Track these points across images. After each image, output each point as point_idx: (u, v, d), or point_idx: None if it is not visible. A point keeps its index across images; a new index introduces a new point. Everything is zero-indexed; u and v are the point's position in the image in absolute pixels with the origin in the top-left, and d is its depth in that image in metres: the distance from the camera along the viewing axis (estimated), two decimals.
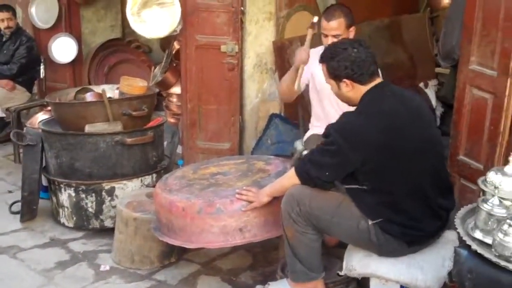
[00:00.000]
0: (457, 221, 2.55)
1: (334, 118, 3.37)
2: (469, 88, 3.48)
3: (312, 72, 3.91)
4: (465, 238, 2.42)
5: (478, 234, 2.42)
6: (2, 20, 6.11)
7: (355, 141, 2.77)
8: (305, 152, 3.43)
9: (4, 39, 6.19)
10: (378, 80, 2.93)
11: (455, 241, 2.89)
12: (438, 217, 2.88)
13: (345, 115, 2.93)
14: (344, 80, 2.89)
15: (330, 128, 2.88)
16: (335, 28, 3.67)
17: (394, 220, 2.80)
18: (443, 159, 3.05)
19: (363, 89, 2.90)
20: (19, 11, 7.00)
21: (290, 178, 3.02)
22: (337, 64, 2.87)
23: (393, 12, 6.05)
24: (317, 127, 4.01)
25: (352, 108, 2.99)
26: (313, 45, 3.87)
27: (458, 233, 2.48)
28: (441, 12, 5.97)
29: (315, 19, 3.75)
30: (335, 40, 3.54)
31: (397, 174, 2.77)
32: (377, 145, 2.74)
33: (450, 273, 2.69)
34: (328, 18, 3.71)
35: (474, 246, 2.35)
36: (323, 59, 2.98)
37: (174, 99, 6.05)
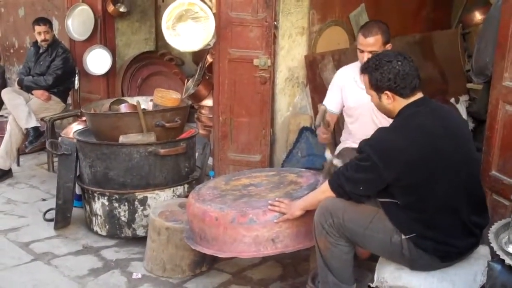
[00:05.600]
0: (490, 236, 2.55)
1: (367, 131, 3.40)
2: (502, 104, 3.48)
3: (344, 94, 3.94)
4: (498, 252, 2.42)
5: None
6: (39, 33, 6.23)
7: (388, 158, 2.76)
8: (335, 161, 3.45)
9: (41, 50, 6.32)
10: (419, 95, 2.91)
11: (487, 255, 2.89)
12: (472, 234, 2.86)
13: (379, 130, 2.92)
14: (386, 92, 2.88)
15: (364, 143, 2.88)
16: (372, 44, 3.69)
17: (427, 235, 2.79)
18: (478, 178, 3.03)
19: (403, 102, 2.88)
20: (55, 23, 7.17)
21: (325, 192, 3.03)
22: (381, 76, 2.86)
23: (425, 28, 6.06)
24: (349, 141, 4.04)
25: (389, 122, 3.00)
26: (346, 61, 3.92)
27: (492, 247, 2.48)
28: (473, 28, 5.96)
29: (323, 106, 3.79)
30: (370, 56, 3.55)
31: (430, 191, 2.76)
32: (411, 163, 2.73)
33: None
34: (365, 34, 3.72)
35: (508, 261, 2.35)
36: (366, 69, 2.95)
37: (206, 111, 6.13)
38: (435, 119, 2.83)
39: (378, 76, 2.88)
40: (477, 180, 2.98)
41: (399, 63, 2.85)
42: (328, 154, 3.58)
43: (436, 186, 2.75)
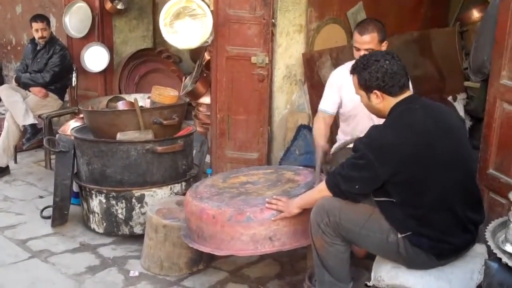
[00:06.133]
0: (487, 234, 2.56)
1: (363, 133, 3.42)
2: (500, 103, 3.48)
3: (341, 94, 3.93)
4: (495, 251, 2.42)
5: (509, 248, 2.43)
6: (37, 30, 6.21)
7: (383, 155, 2.77)
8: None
9: (38, 47, 6.31)
10: (408, 93, 2.95)
11: (484, 254, 2.90)
12: (467, 230, 2.87)
13: (373, 128, 2.94)
14: (375, 91, 2.91)
15: (358, 142, 2.89)
16: (368, 42, 3.69)
17: (423, 233, 2.80)
18: (473, 173, 3.04)
19: (393, 101, 2.91)
20: (53, 20, 7.15)
21: (321, 191, 3.04)
22: (369, 75, 2.89)
23: (422, 26, 6.06)
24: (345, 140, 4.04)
25: (381, 121, 3.01)
26: (344, 59, 3.92)
27: (489, 246, 2.48)
28: (471, 26, 5.95)
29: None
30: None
31: (426, 188, 2.77)
32: (406, 159, 2.74)
33: (479, 286, 2.70)
34: (361, 32, 3.72)
35: (505, 259, 2.36)
36: (355, 70, 2.99)
37: (203, 109, 6.12)
38: (427, 116, 2.86)
39: (366, 76, 2.91)
40: (473, 177, 3.00)
41: (387, 62, 2.88)
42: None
43: (431, 182, 2.77)
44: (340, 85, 3.92)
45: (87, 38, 6.64)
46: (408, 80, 2.97)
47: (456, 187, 2.81)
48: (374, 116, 3.63)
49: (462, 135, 3.02)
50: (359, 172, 2.85)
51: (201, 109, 6.19)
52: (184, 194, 4.22)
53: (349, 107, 3.92)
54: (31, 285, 3.81)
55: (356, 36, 3.76)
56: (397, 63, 2.90)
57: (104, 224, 4.49)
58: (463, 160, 2.88)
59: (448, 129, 2.88)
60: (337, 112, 4.10)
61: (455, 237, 2.83)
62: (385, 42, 3.76)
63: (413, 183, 2.78)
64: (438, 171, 2.76)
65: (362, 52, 3.66)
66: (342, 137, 4.09)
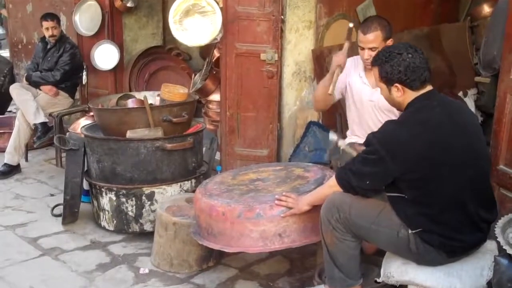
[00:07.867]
0: (497, 231, 2.54)
1: (370, 128, 3.39)
2: (510, 98, 3.46)
3: (349, 81, 3.91)
4: (505, 247, 2.41)
5: None
6: (47, 29, 6.24)
7: (396, 152, 2.75)
8: (340, 142, 3.42)
9: (48, 46, 6.33)
10: (429, 87, 2.90)
11: (494, 250, 2.88)
12: (479, 229, 2.84)
13: (387, 124, 2.91)
14: (396, 84, 2.87)
15: (371, 137, 2.87)
16: (371, 41, 3.64)
17: (434, 230, 2.78)
18: (487, 173, 2.98)
19: (413, 95, 2.88)
20: (63, 18, 7.18)
21: (332, 187, 3.03)
22: (391, 68, 2.85)
23: (432, 21, 6.03)
24: (354, 136, 4.02)
25: (384, 112, 2.98)
26: (353, 55, 3.91)
27: (498, 242, 2.47)
28: (482, 21, 5.92)
29: (351, 24, 3.78)
30: (371, 53, 3.54)
31: (438, 186, 2.75)
32: (418, 156, 2.72)
33: (489, 282, 2.69)
34: (364, 31, 3.67)
35: None
36: (376, 62, 2.95)
37: (213, 106, 6.12)
38: (443, 114, 2.81)
39: (388, 69, 2.87)
40: (486, 176, 2.95)
41: (410, 55, 2.84)
42: (332, 135, 3.57)
43: (443, 181, 2.74)
44: (348, 73, 3.89)
45: (97, 36, 6.66)
46: (430, 75, 2.91)
47: (469, 186, 2.78)
48: (378, 113, 3.61)
49: (478, 133, 2.95)
50: (370, 167, 2.83)
51: (210, 106, 6.20)
52: (193, 191, 4.22)
53: (354, 100, 3.88)
54: (42, 283, 3.82)
55: (360, 35, 3.71)
56: (419, 57, 2.86)
57: (114, 221, 4.50)
58: (478, 158, 2.84)
59: (464, 127, 2.84)
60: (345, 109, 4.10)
61: (467, 235, 2.81)
62: (391, 39, 3.69)
63: (425, 181, 2.76)
64: (451, 170, 2.73)
65: (366, 51, 3.66)
66: (350, 132, 4.06)
